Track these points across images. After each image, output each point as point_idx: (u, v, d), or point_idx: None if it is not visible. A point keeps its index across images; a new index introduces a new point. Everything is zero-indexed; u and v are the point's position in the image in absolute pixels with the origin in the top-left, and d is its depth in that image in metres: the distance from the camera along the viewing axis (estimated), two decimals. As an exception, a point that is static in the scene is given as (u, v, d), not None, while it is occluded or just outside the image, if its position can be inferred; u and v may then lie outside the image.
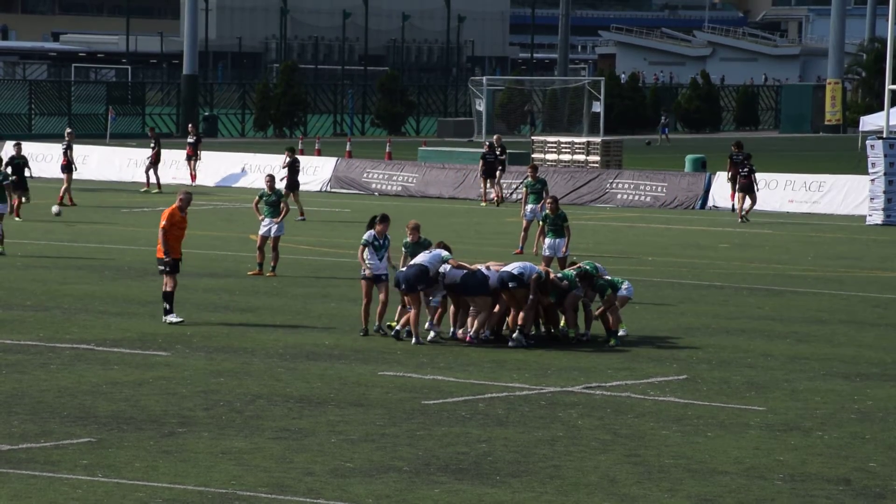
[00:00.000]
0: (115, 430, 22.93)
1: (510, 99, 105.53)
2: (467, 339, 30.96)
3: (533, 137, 76.90)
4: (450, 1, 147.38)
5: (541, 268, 32.20)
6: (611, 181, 67.46)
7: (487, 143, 67.71)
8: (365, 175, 67.50)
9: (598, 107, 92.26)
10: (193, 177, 67.46)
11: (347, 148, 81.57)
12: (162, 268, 33.00)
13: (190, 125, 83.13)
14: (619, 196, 65.75)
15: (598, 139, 79.62)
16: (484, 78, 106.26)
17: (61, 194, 60.47)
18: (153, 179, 65.86)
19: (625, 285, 32.17)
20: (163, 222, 33.34)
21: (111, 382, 26.58)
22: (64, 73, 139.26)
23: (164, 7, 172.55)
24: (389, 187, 67.39)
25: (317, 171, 71.72)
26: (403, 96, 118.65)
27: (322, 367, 28.28)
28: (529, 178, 48.53)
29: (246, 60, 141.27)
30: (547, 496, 19.86)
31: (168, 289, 32.94)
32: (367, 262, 31.43)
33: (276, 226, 33.34)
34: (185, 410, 24.40)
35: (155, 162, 66.79)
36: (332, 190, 69.04)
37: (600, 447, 22.61)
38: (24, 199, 58.61)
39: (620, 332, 31.80)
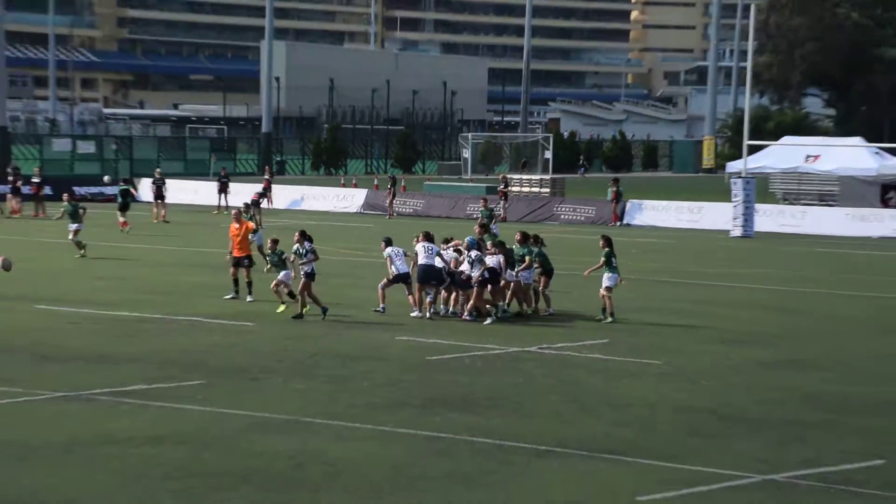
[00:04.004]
0: (218, 376, 23.08)
1: (487, 149, 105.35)
2: (462, 316, 30.93)
3: (503, 175, 76.64)
4: (445, 82, 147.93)
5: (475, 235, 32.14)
6: (556, 206, 67.36)
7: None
8: (386, 201, 67.32)
9: (548, 154, 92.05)
10: (270, 199, 67.03)
11: (375, 183, 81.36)
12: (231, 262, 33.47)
13: (266, 167, 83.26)
14: (562, 216, 65.62)
15: (548, 177, 79.40)
16: (469, 134, 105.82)
17: (159, 212, 60.47)
18: (223, 203, 65.38)
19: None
20: (230, 234, 33.82)
21: (215, 343, 26.65)
22: (181, 132, 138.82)
23: (249, 86, 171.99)
24: (404, 210, 67.21)
25: (354, 199, 71.56)
26: (413, 147, 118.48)
27: (357, 334, 28.21)
28: (482, 207, 48.82)
29: (305, 122, 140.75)
30: (513, 423, 20.00)
31: (245, 278, 33.07)
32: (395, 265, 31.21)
33: (284, 272, 32.26)
34: (265, 363, 24.48)
35: (224, 190, 66.51)
36: (364, 212, 68.81)
37: (549, 389, 22.71)
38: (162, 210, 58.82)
39: (551, 311, 31.87)
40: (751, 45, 70.67)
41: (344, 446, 18.29)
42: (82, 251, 42.61)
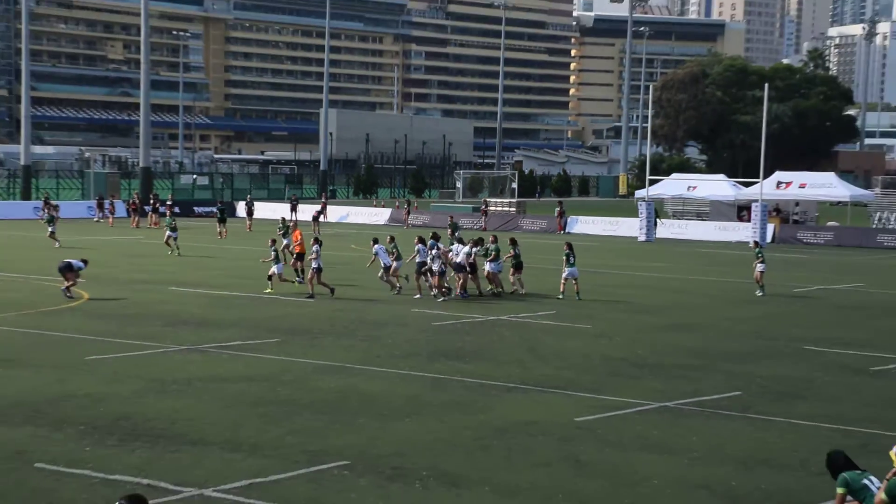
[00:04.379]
0: (289, 335, 22.97)
1: (473, 181, 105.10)
2: (458, 293, 30.69)
3: (485, 199, 76.74)
4: (444, 135, 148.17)
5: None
6: (520, 220, 67.45)
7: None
8: (403, 216, 67.32)
9: (514, 185, 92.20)
10: (326, 215, 66.94)
11: (396, 204, 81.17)
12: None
13: (323, 193, 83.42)
14: (524, 227, 65.66)
15: (514, 200, 79.42)
16: (461, 171, 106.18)
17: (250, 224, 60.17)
18: (293, 218, 65.16)
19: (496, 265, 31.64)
20: (294, 239, 33.96)
21: (287, 313, 26.54)
22: (265, 170, 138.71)
23: (311, 138, 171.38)
24: (415, 222, 67.04)
25: (382, 215, 71.56)
26: (423, 179, 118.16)
27: (384, 307, 28.16)
28: (450, 221, 43.67)
29: (349, 163, 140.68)
30: (490, 367, 19.91)
31: (297, 267, 33.01)
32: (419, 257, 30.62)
33: (277, 265, 30.95)
34: (321, 327, 24.39)
35: (294, 209, 66.54)
36: (389, 223, 68.76)
37: (515, 345, 22.63)
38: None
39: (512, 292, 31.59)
40: (650, 112, 71.78)
41: (374, 383, 18.20)
42: (177, 251, 42.32)
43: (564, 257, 31.12)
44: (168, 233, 43.43)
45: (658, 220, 60.02)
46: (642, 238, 58.15)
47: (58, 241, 45.13)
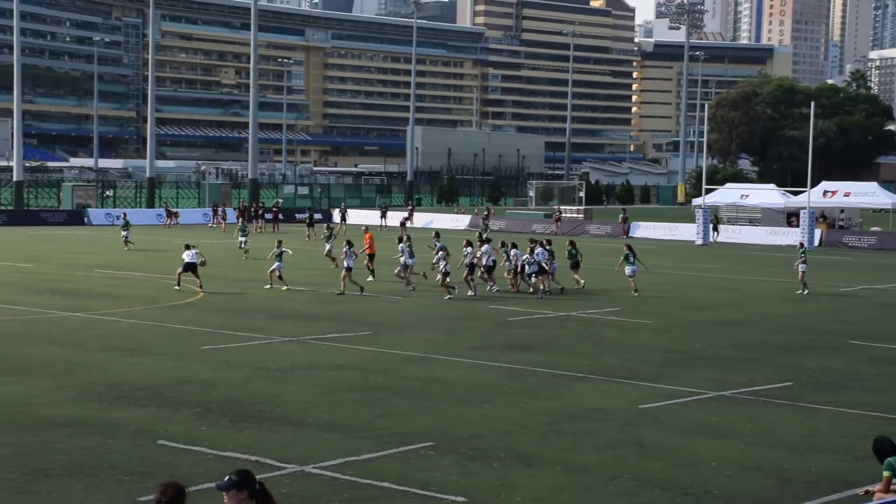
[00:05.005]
0: (379, 329, 22.98)
1: (544, 190, 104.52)
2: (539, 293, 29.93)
3: (558, 207, 76.31)
4: (518, 149, 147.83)
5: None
6: (587, 226, 66.91)
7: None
8: (482, 222, 67.19)
9: (581, 194, 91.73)
10: (412, 221, 66.80)
11: (475, 211, 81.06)
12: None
13: (409, 201, 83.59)
14: (591, 232, 65.10)
15: (582, 207, 78.93)
16: (533, 182, 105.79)
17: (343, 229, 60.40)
18: (384, 224, 65.00)
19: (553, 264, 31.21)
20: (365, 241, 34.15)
21: (376, 309, 26.57)
22: (359, 181, 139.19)
23: (399, 152, 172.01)
24: (494, 227, 66.89)
25: (462, 220, 71.59)
26: (499, 189, 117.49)
27: (463, 304, 28.02)
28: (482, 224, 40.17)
29: (433, 174, 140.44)
30: (559, 358, 19.74)
31: (370, 266, 33.15)
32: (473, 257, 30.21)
33: (277, 264, 30.29)
34: (407, 321, 24.37)
35: (384, 216, 66.52)
36: (468, 228, 68.64)
37: (582, 338, 22.43)
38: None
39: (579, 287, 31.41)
40: (705, 128, 71.06)
41: (454, 372, 18.11)
42: (246, 255, 41.36)
43: (623, 258, 30.90)
44: (241, 237, 42.75)
45: (717, 225, 59.42)
46: (699, 242, 57.29)
47: (130, 245, 45.05)
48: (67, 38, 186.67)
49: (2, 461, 12.00)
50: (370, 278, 32.45)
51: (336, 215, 68.75)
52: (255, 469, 10.95)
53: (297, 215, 73.02)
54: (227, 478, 6.11)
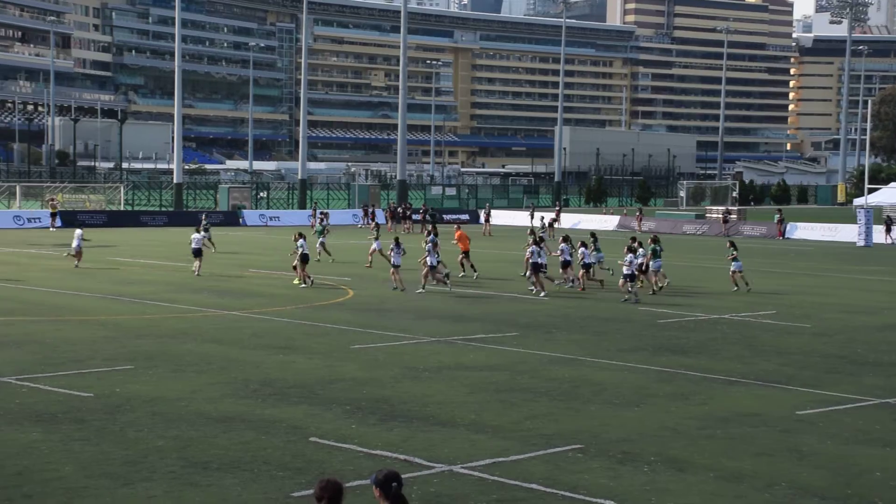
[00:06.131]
0: (526, 329, 22.89)
1: (695, 191, 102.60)
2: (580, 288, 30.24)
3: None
4: (669, 149, 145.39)
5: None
6: (741, 226, 65.07)
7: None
8: (632, 224, 66.54)
9: (735, 194, 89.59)
10: (559, 222, 65.83)
11: (624, 211, 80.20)
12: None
13: (557, 202, 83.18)
14: (745, 232, 63.36)
15: (736, 208, 77.11)
16: (684, 182, 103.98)
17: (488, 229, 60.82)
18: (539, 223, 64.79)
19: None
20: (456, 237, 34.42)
21: (523, 310, 26.41)
22: (506, 182, 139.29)
23: (547, 153, 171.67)
24: (644, 228, 65.97)
25: (610, 221, 70.99)
26: (649, 189, 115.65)
27: (611, 306, 27.67)
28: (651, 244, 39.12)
29: (581, 174, 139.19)
30: (712, 362, 19.29)
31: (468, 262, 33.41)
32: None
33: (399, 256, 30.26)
34: (554, 322, 24.19)
35: (533, 216, 66.01)
36: (617, 229, 67.96)
37: (735, 342, 21.80)
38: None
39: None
40: (868, 125, 68.43)
41: (604, 374, 17.93)
42: (318, 257, 39.27)
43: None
44: (321, 238, 40.82)
45: (890, 227, 57.16)
46: (861, 243, 55.41)
47: (213, 246, 41.81)
48: (225, 44, 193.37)
49: (165, 454, 12.48)
50: (462, 274, 33.08)
51: (481, 216, 68.97)
52: (404, 468, 11.09)
53: (444, 216, 73.62)
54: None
